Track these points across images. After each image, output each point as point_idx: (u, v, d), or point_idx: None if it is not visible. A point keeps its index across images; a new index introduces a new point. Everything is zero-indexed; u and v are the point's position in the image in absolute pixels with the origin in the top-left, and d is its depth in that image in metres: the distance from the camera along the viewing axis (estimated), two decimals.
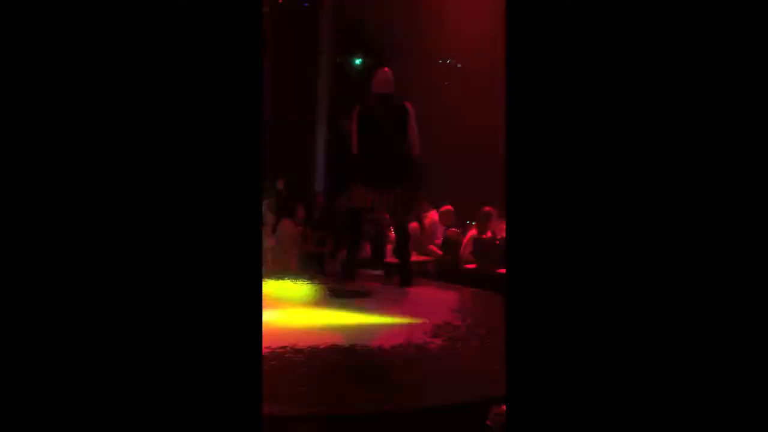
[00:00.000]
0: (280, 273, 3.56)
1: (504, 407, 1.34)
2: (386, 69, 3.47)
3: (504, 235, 4.77)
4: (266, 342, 1.49)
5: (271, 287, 3.06)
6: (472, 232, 4.94)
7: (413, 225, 3.47)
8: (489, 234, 4.76)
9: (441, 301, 2.95)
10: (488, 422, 1.29)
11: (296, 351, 1.80)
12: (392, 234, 3.43)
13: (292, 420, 1.26)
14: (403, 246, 3.52)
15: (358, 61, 6.97)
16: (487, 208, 4.90)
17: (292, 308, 2.58)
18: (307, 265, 4.11)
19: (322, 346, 1.88)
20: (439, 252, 4.90)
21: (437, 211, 5.25)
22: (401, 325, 2.30)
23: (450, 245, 4.83)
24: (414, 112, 3.39)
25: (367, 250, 4.49)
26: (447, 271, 4.62)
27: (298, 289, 3.19)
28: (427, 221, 5.03)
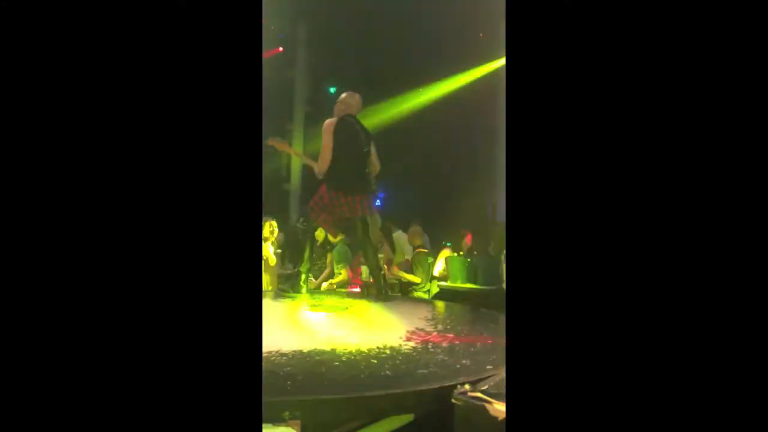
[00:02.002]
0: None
1: (467, 387, 1.52)
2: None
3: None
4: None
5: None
6: (444, 252, 5.20)
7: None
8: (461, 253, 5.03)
9: (413, 312, 3.14)
10: (453, 400, 1.47)
11: (280, 354, 1.97)
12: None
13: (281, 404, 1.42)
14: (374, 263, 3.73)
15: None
16: (462, 231, 5.22)
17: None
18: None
19: (304, 350, 2.04)
20: (408, 275, 5.09)
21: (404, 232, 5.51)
22: (378, 332, 2.48)
23: (421, 264, 5.06)
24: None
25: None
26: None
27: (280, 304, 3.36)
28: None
